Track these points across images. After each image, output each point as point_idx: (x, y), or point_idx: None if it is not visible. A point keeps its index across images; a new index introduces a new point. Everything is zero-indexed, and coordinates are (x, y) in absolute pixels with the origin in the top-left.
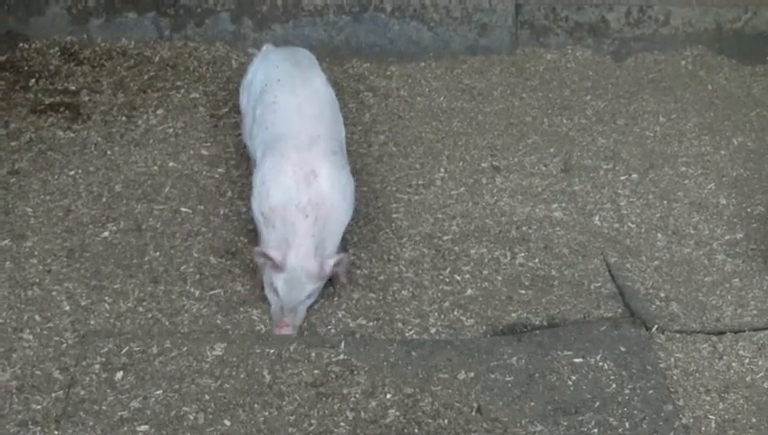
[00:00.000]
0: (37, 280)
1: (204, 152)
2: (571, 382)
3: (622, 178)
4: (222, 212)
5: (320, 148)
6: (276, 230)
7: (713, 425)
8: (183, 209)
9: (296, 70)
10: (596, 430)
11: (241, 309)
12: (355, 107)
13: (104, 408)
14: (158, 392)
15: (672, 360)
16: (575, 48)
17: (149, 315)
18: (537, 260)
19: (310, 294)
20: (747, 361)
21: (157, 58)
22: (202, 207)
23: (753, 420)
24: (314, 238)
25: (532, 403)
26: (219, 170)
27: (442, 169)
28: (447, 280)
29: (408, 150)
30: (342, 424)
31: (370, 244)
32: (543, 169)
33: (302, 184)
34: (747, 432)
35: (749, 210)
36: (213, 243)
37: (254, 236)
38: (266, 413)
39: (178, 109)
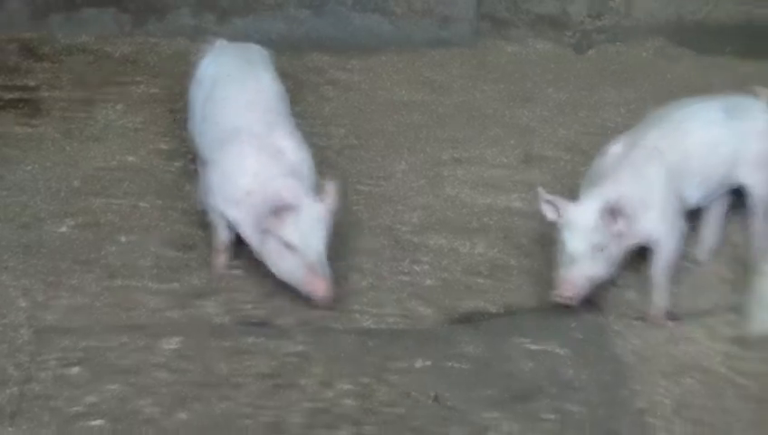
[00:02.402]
0: None
1: (162, 147)
2: (527, 369)
3: (582, 168)
4: (180, 206)
5: (280, 130)
6: (256, 206)
7: (668, 408)
8: (141, 204)
9: (247, 66)
10: (553, 417)
11: (197, 302)
12: (315, 100)
13: (59, 403)
14: (113, 387)
15: (628, 346)
16: (536, 40)
17: (106, 310)
18: (496, 250)
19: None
20: (701, 345)
21: (117, 54)
22: (160, 202)
23: (708, 402)
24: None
25: (489, 391)
26: (177, 164)
27: (403, 162)
28: (406, 270)
29: (368, 143)
30: (299, 414)
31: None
32: (504, 160)
33: (271, 161)
34: (702, 415)
35: None
36: (170, 237)
37: (210, 229)
38: (223, 405)
39: (138, 104)
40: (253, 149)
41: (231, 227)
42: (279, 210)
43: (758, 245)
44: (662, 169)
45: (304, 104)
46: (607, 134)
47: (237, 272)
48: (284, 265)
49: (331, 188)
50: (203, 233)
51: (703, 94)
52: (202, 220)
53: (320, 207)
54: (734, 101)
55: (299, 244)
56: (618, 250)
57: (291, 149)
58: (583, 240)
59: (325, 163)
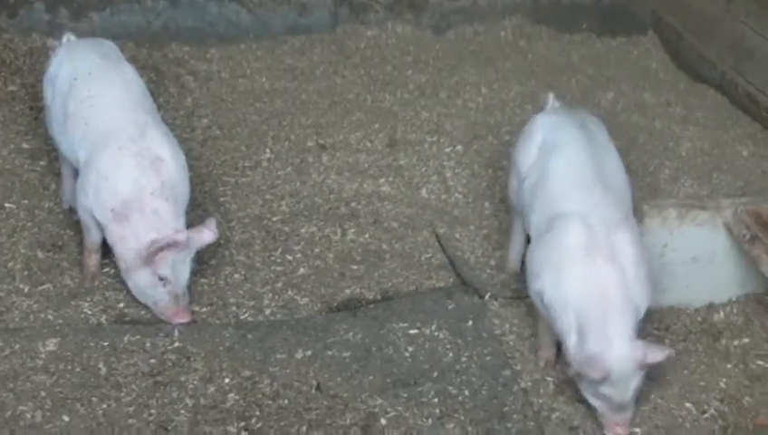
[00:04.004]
0: None
1: (25, 146)
2: (408, 354)
3: (447, 150)
4: (46, 205)
5: (154, 133)
6: (132, 222)
7: (551, 387)
8: (7, 205)
9: (106, 62)
10: (436, 400)
11: (72, 303)
12: (176, 92)
13: None
14: None
15: (507, 326)
16: (395, 23)
17: None
18: (367, 235)
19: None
20: None
21: None
22: (26, 202)
23: None
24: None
25: (371, 377)
26: (41, 163)
27: (268, 150)
28: (279, 260)
29: (232, 133)
30: (183, 412)
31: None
32: (369, 144)
33: (150, 171)
34: None
35: None
36: (39, 237)
37: (79, 228)
38: (105, 406)
39: None
40: (131, 157)
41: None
42: (157, 250)
43: None
44: None
45: (166, 96)
46: (469, 115)
47: (110, 271)
48: (150, 292)
49: (209, 224)
50: (72, 232)
51: (564, 72)
52: (70, 220)
53: (193, 241)
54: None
55: (170, 276)
56: None
57: (168, 159)
58: (633, 391)
59: (190, 156)
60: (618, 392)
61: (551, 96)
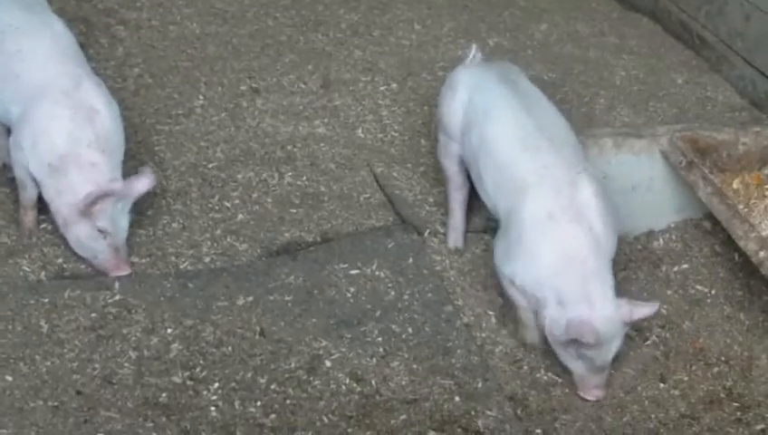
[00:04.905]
0: None
1: None
2: (350, 294)
3: (382, 88)
4: None
5: (87, 84)
6: (69, 176)
7: (493, 320)
8: None
9: (31, 15)
10: (380, 339)
11: (10, 261)
12: (107, 42)
13: None
14: None
15: (447, 262)
16: None
17: None
18: (305, 178)
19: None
20: None
21: None
22: None
23: None
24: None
25: (314, 320)
26: None
27: (201, 97)
28: (217, 207)
29: (164, 81)
30: (126, 365)
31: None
32: (303, 86)
33: (85, 124)
34: None
35: None
36: None
37: (14, 185)
38: (48, 363)
39: None
40: (66, 111)
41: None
42: (93, 201)
43: None
44: None
45: (97, 47)
46: (402, 53)
47: (47, 226)
48: (90, 245)
49: (145, 172)
50: (8, 190)
51: (497, 5)
52: (4, 177)
53: (130, 189)
54: None
55: (109, 228)
56: None
57: (103, 110)
58: (615, 350)
59: (123, 106)
60: (601, 354)
61: (473, 48)
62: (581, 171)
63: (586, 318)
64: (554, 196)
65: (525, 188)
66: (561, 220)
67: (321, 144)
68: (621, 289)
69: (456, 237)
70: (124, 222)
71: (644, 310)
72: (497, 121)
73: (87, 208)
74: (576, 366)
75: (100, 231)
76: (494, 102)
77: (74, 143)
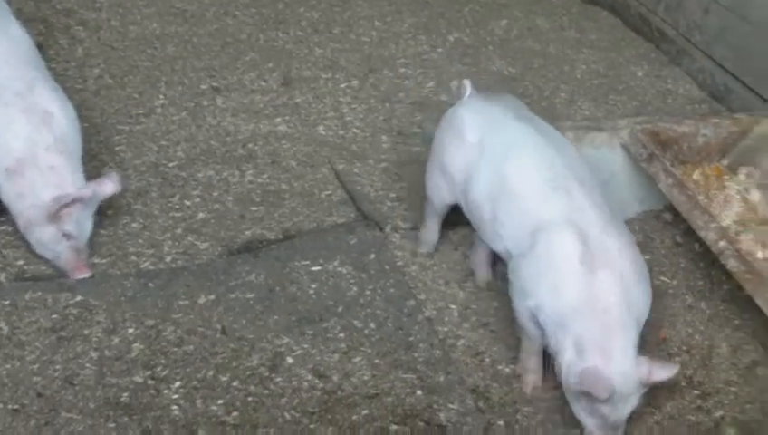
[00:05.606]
0: None
1: None
2: (312, 291)
3: (343, 85)
4: None
5: (41, 88)
6: (28, 179)
7: (455, 314)
8: None
9: None
10: (342, 335)
11: None
12: (66, 43)
13: None
14: None
15: (408, 257)
16: None
17: None
18: (266, 176)
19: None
20: None
21: None
22: None
23: (494, 303)
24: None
25: (276, 317)
26: None
27: (161, 96)
28: (177, 206)
29: (124, 81)
30: (88, 365)
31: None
32: (263, 84)
33: (41, 126)
34: (488, 317)
35: None
36: None
37: None
38: (8, 365)
39: None
40: (21, 114)
41: None
42: (62, 207)
43: None
44: None
45: (56, 48)
46: (363, 49)
47: (6, 228)
48: (53, 247)
49: (111, 176)
50: None
51: (457, 1)
52: None
53: (97, 193)
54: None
55: (75, 232)
56: None
57: (58, 113)
58: (630, 409)
59: (83, 106)
60: (615, 411)
61: (467, 83)
62: (613, 219)
63: (601, 370)
64: (587, 240)
65: (556, 229)
66: (593, 265)
67: (282, 142)
68: None
69: (428, 248)
70: (88, 225)
71: (664, 372)
72: (522, 161)
73: (56, 214)
74: (589, 422)
75: (65, 234)
76: (515, 141)
77: (32, 146)
